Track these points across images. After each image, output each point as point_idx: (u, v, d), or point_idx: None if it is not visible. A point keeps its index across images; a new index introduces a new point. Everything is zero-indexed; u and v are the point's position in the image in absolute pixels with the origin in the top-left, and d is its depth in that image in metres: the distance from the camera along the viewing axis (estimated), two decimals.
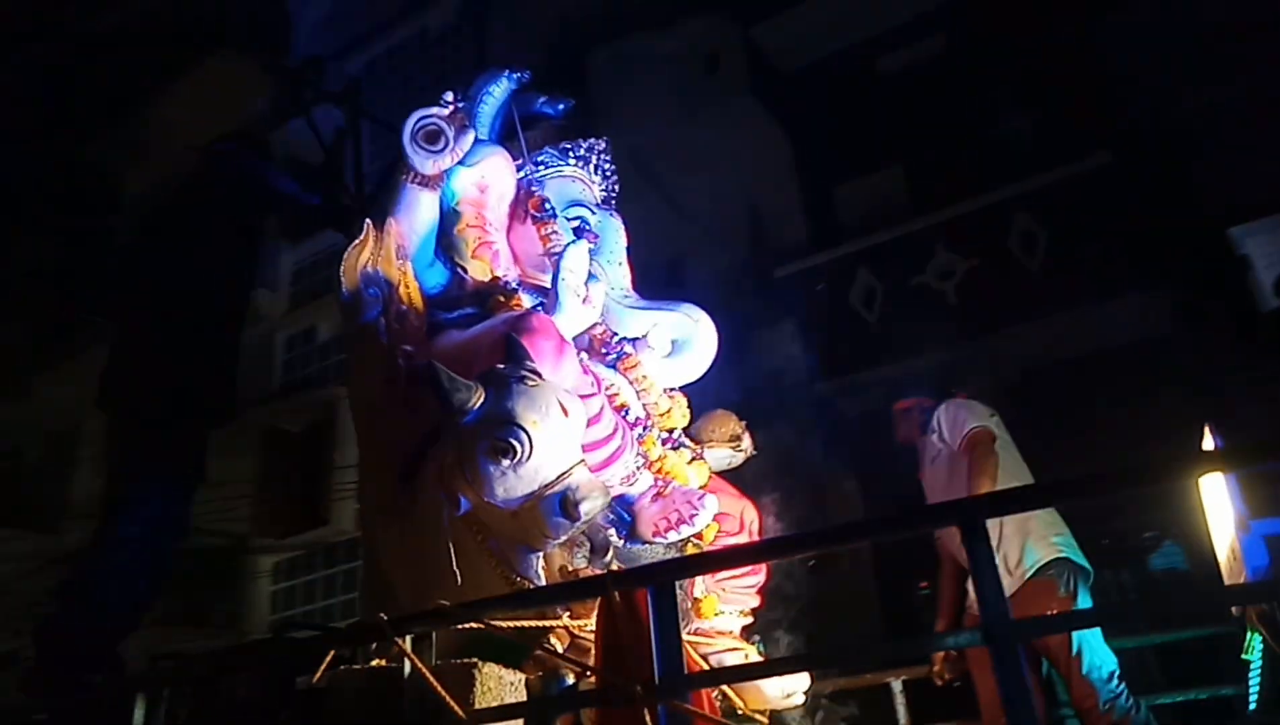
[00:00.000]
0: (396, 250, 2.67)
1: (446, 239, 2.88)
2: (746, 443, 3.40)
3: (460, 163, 2.84)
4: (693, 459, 2.96)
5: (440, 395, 2.07)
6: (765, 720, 2.95)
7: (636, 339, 2.98)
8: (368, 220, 2.64)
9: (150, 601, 2.74)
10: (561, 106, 3.48)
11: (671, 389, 3.08)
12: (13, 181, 10.98)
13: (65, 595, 2.63)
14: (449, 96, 2.78)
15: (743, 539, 2.92)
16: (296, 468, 11.56)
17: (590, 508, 2.12)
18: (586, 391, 2.45)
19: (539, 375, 2.18)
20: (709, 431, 3.39)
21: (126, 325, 3.04)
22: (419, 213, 2.74)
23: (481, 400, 2.11)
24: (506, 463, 2.06)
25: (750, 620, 2.91)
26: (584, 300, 2.66)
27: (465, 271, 2.86)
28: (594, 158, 3.29)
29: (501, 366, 2.19)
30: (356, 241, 2.58)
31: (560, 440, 2.13)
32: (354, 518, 11.47)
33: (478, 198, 2.96)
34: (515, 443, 2.05)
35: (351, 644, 1.89)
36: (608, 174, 3.34)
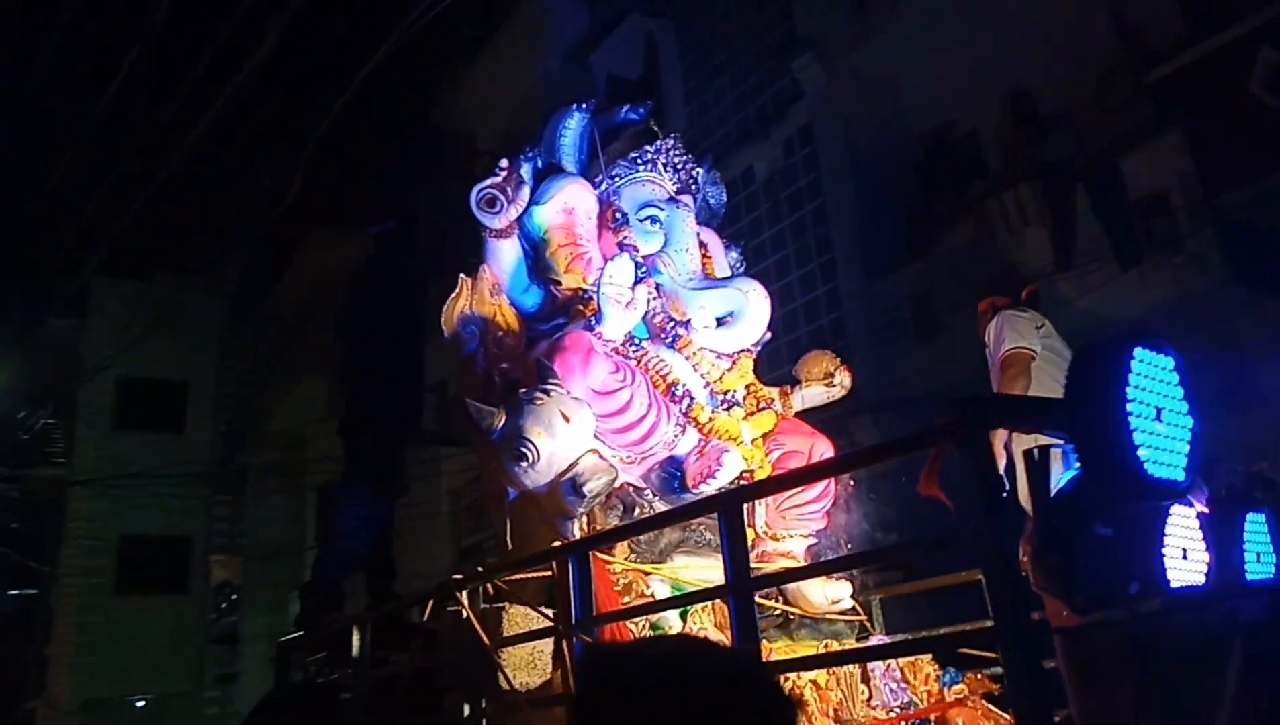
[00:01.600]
0: (491, 289, 3.69)
1: (541, 263, 3.83)
2: (841, 378, 3.98)
3: (534, 203, 3.76)
4: (751, 413, 3.68)
5: (472, 422, 3.10)
6: (862, 616, 3.66)
7: (687, 322, 3.71)
8: (461, 274, 3.69)
9: (364, 568, 4.18)
10: (643, 111, 4.21)
11: (737, 353, 3.77)
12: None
13: (315, 567, 4.16)
14: (503, 163, 3.68)
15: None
16: None
17: (594, 487, 3.03)
18: (614, 387, 3.30)
19: (547, 393, 3.10)
20: (805, 371, 4.03)
21: (345, 372, 4.44)
22: (502, 257, 3.72)
23: (504, 420, 3.09)
24: (525, 464, 3.04)
25: (814, 541, 3.60)
26: (627, 305, 3.47)
27: (559, 286, 3.79)
28: (661, 157, 4.00)
29: (522, 391, 3.15)
30: (453, 295, 3.64)
31: (564, 440, 3.05)
32: None
33: (565, 221, 3.85)
34: (526, 451, 3.02)
35: (443, 594, 3.02)
36: (678, 167, 4.04)
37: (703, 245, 4.15)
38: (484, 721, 2.84)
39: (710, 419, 3.54)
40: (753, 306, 3.74)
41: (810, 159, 12.60)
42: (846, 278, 11.71)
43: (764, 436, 3.71)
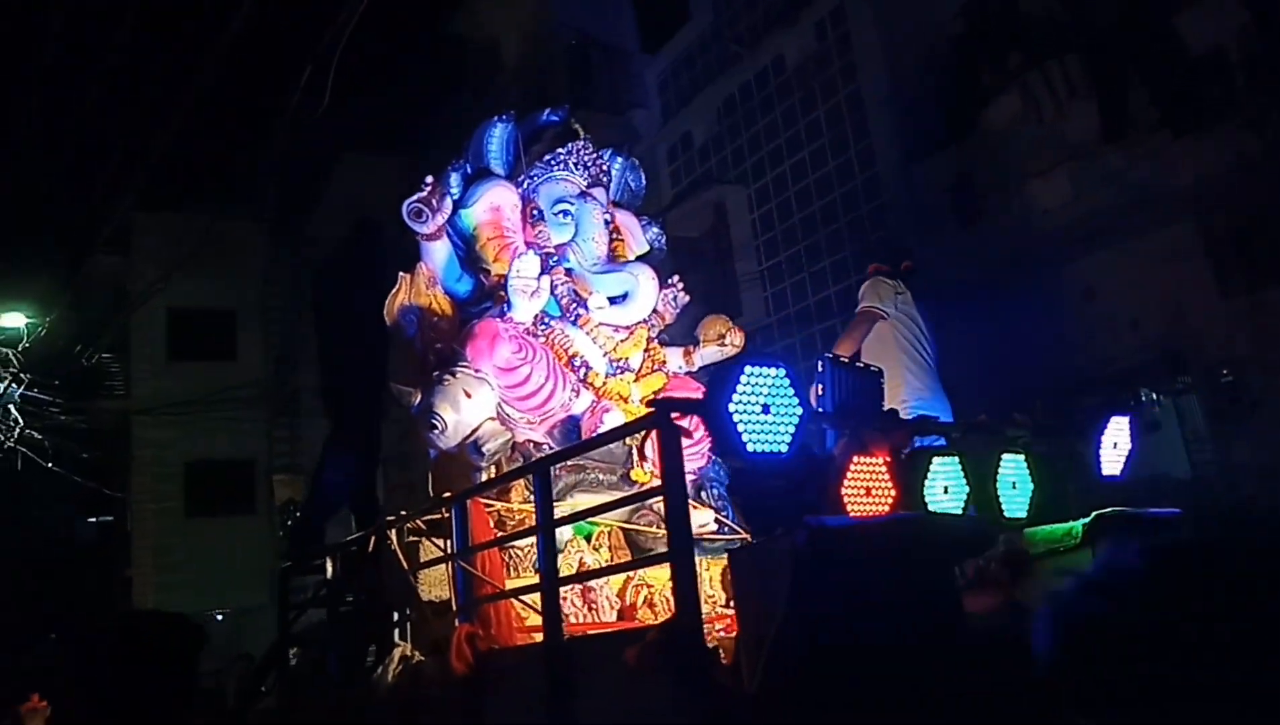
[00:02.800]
0: (427, 281, 4.90)
1: (473, 255, 5.01)
2: (731, 338, 5.14)
3: (462, 206, 4.93)
4: (644, 375, 4.87)
5: (396, 400, 4.37)
6: (743, 534, 4.88)
7: (586, 301, 4.88)
8: (400, 272, 4.91)
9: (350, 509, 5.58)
10: (561, 114, 5.31)
11: (633, 325, 4.93)
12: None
13: (301, 513, 5.56)
14: (428, 179, 4.83)
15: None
16: (704, 270, 14.24)
17: (491, 447, 4.29)
18: (515, 364, 4.51)
19: (454, 374, 4.34)
20: (703, 334, 5.20)
21: (322, 355, 5.74)
22: (435, 255, 4.92)
23: (419, 398, 4.36)
24: (436, 432, 4.30)
25: (694, 477, 4.80)
26: (532, 294, 4.64)
27: (489, 274, 4.96)
28: (573, 157, 5.10)
29: (435, 373, 4.40)
30: (394, 290, 4.87)
31: (467, 413, 4.31)
32: (760, 309, 13.75)
33: (492, 218, 5.01)
34: (436, 422, 4.28)
35: (380, 532, 4.35)
36: (588, 165, 5.14)
37: (617, 229, 5.30)
38: (408, 625, 4.21)
39: (604, 383, 4.75)
40: (642, 287, 4.90)
41: (843, 42, 12.97)
42: (885, 164, 12.10)
43: (656, 392, 4.90)
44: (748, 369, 2.88)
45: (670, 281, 5.51)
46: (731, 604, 3.24)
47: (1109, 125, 10.62)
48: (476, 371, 4.44)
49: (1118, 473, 3.94)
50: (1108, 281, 10.16)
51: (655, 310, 5.38)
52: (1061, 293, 10.63)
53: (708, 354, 5.19)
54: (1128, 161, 10.19)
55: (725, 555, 4.64)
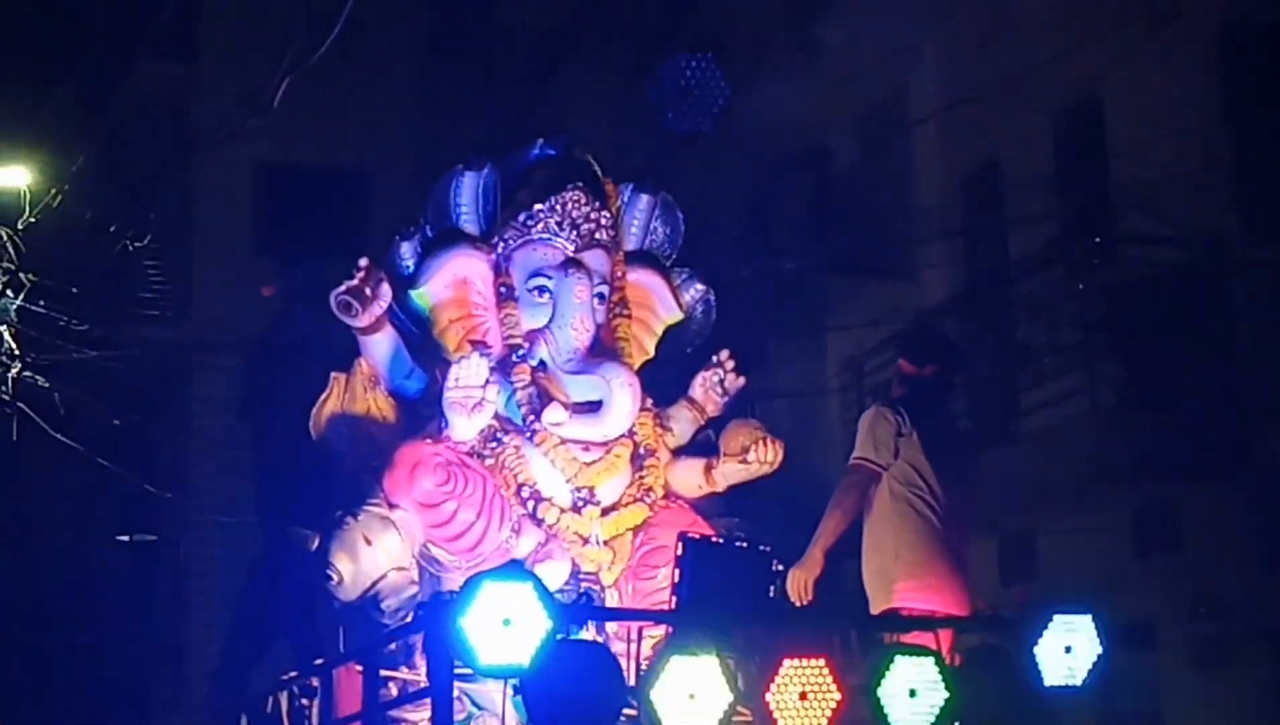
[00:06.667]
0: (366, 383, 4.87)
1: (429, 344, 4.93)
2: (758, 454, 4.72)
3: (411, 287, 4.86)
4: (618, 506, 4.63)
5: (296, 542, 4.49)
6: None
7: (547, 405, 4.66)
8: (332, 373, 4.92)
9: None
10: (558, 145, 5.11)
11: (603, 444, 4.68)
12: None
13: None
14: (362, 262, 4.73)
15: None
16: None
17: (391, 604, 4.34)
18: (439, 499, 4.41)
19: (355, 516, 4.36)
20: (724, 444, 4.85)
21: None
22: (375, 349, 4.86)
23: (317, 543, 4.43)
24: (332, 584, 4.36)
25: None
26: (473, 408, 4.47)
27: (444, 372, 4.80)
28: (560, 212, 4.81)
29: (338, 512, 4.44)
30: (322, 397, 4.89)
31: (366, 563, 4.33)
32: None
33: (455, 295, 4.87)
34: (331, 573, 4.33)
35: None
36: (579, 221, 4.88)
37: (624, 299, 5.06)
38: None
39: (558, 519, 4.58)
40: (615, 397, 4.63)
41: None
42: None
43: (634, 529, 4.68)
44: (485, 583, 3.13)
45: (714, 360, 5.22)
46: None
47: None
48: (391, 507, 4.45)
49: (1076, 683, 3.74)
50: None
51: (693, 399, 5.17)
52: None
53: (729, 472, 4.86)
54: None
55: None
